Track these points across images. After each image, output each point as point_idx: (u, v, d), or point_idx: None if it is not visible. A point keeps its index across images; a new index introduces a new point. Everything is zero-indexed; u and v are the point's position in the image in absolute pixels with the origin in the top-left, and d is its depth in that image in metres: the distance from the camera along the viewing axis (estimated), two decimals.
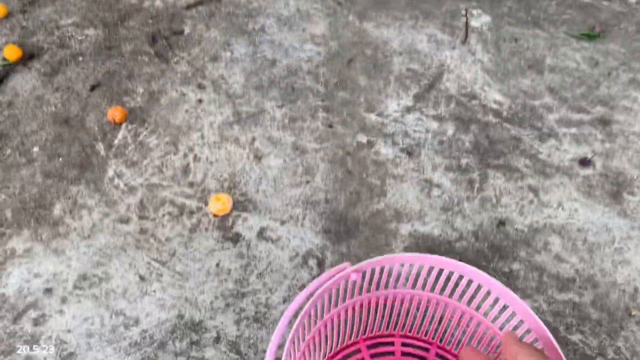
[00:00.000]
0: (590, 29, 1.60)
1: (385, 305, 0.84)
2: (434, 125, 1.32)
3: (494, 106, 1.37)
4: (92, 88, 1.35)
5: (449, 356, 0.89)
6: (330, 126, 1.31)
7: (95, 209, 1.12)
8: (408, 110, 1.35)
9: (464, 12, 1.64)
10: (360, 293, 0.79)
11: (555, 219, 1.16)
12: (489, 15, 1.64)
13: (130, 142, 1.24)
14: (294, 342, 0.62)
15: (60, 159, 1.21)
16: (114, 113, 1.25)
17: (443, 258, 0.72)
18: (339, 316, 0.79)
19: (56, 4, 1.58)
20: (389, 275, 0.79)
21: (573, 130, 1.33)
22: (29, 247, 1.06)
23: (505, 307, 0.90)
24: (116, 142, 1.24)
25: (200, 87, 1.37)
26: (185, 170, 1.20)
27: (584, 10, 1.68)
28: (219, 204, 1.10)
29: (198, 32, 1.52)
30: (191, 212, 1.12)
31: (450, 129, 1.31)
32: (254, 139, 1.26)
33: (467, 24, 1.60)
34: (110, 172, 1.19)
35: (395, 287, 0.81)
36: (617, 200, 1.20)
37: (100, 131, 1.26)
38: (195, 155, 1.22)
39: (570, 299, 1.04)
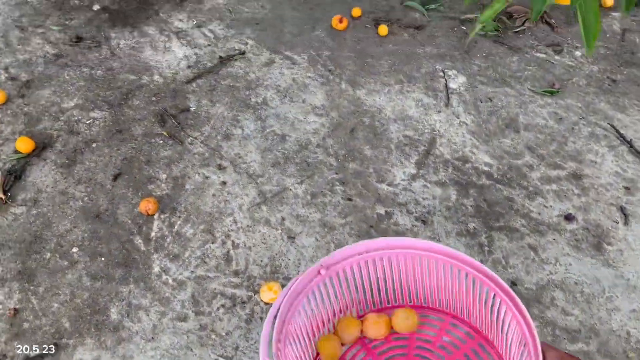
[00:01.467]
0: (550, 86, 1.82)
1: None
2: (439, 191, 1.47)
3: (485, 168, 1.55)
4: (115, 178, 1.38)
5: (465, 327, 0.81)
6: (350, 199, 1.42)
7: (150, 309, 1.17)
8: (413, 178, 1.50)
9: (442, 73, 1.81)
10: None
11: (555, 274, 1.35)
12: (463, 75, 1.82)
13: (167, 233, 1.29)
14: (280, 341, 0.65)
15: (103, 258, 1.24)
16: (147, 206, 1.29)
17: (432, 244, 0.76)
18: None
19: (53, 85, 1.57)
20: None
21: (554, 186, 1.53)
22: (96, 356, 1.09)
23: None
24: (153, 234, 1.29)
25: (221, 168, 1.44)
26: (227, 258, 1.27)
27: (541, 66, 1.90)
28: (271, 292, 1.18)
29: (204, 109, 1.57)
30: (243, 303, 1.20)
31: (453, 195, 1.47)
32: (283, 219, 1.35)
33: (447, 87, 1.76)
34: (156, 268, 1.23)
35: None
36: (600, 251, 1.41)
37: (134, 224, 1.30)
38: (233, 242, 1.30)
39: (580, 348, 1.23)
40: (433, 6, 2.03)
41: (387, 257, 0.78)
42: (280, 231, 1.33)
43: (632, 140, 1.68)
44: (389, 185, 1.47)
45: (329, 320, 0.79)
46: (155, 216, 1.32)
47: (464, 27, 1.99)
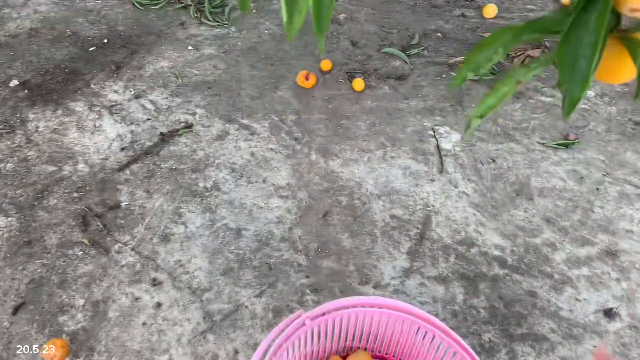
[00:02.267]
0: (564, 137, 1.51)
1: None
2: (440, 290, 1.15)
3: (496, 253, 1.22)
4: (16, 310, 1.05)
5: None
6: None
7: None
8: (406, 273, 1.17)
9: (431, 132, 1.50)
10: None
11: None
12: (457, 132, 1.51)
13: None
14: None
15: None
16: (50, 352, 0.96)
17: (412, 308, 0.88)
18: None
19: None
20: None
21: (585, 270, 1.20)
22: None
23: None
24: None
25: (155, 283, 1.11)
26: None
27: (550, 112, 1.59)
28: None
29: (138, 202, 1.26)
30: None
31: (459, 294, 1.14)
32: (236, 353, 1.02)
33: (439, 148, 1.45)
34: None
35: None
36: None
37: None
38: None
39: None
40: (415, 51, 1.75)
41: (362, 314, 0.90)
42: None
43: None
44: (375, 287, 1.15)
45: (306, 358, 0.93)
46: None
47: (453, 73, 1.70)
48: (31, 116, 1.43)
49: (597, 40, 0.30)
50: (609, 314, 1.14)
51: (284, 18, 0.30)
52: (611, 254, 1.25)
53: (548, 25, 0.34)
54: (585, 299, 1.16)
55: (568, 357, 1.06)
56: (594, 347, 1.08)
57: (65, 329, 1.03)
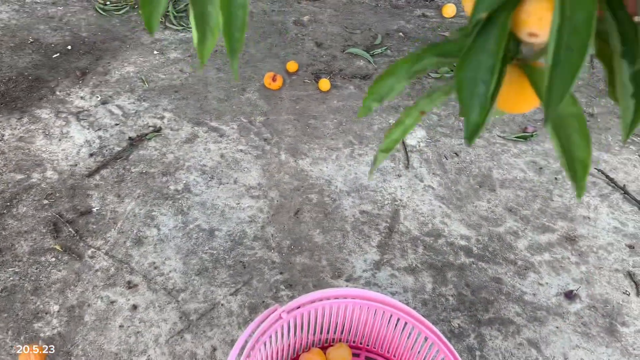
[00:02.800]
0: (522, 129, 1.58)
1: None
2: (410, 280, 1.19)
3: (462, 242, 1.27)
4: None
5: (378, 358, 1.04)
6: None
7: None
8: (377, 266, 1.21)
9: None
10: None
11: None
12: (422, 127, 1.56)
13: None
14: None
15: None
16: (29, 358, 0.96)
17: (385, 297, 0.92)
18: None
19: None
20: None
21: (546, 256, 1.26)
22: None
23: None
24: None
25: (130, 286, 1.12)
26: None
27: None
28: None
29: (110, 207, 1.26)
30: None
31: (428, 283, 1.18)
32: (214, 350, 1.04)
33: (404, 144, 1.50)
34: None
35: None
36: (614, 336, 1.13)
37: None
38: None
39: None
40: (378, 51, 1.79)
41: (337, 305, 0.93)
42: None
43: (625, 186, 1.43)
44: (347, 280, 1.18)
45: (284, 351, 0.96)
46: None
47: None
48: None
49: (495, 64, 0.29)
50: (570, 296, 1.20)
51: (195, 39, 0.27)
52: (570, 239, 1.31)
53: (448, 50, 0.33)
54: (547, 283, 1.21)
55: (533, 339, 1.11)
56: (557, 327, 1.14)
57: (42, 335, 1.03)
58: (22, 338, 1.03)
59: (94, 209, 1.25)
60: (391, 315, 0.94)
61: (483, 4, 0.28)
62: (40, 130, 1.42)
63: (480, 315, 1.14)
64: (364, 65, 1.75)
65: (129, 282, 1.13)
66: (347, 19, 1.95)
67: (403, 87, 0.35)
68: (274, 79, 1.61)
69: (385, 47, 1.81)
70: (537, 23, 0.28)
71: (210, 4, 0.26)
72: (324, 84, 1.63)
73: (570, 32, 0.25)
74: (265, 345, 0.88)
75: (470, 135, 0.30)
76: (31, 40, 1.72)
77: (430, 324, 0.90)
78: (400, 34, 1.89)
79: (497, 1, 0.28)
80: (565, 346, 1.11)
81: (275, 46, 1.80)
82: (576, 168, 0.31)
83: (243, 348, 0.83)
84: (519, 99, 0.32)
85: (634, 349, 1.11)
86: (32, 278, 1.12)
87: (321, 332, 1.01)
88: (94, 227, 1.22)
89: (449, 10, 1.99)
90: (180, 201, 1.29)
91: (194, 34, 0.26)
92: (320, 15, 1.97)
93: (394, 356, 1.02)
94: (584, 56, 0.25)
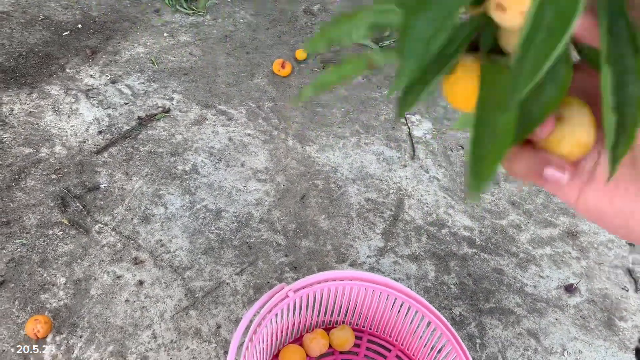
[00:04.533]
0: None
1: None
2: (413, 268, 1.20)
3: (465, 233, 1.28)
4: None
5: (380, 341, 1.05)
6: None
7: None
8: (381, 252, 1.22)
9: (404, 120, 1.55)
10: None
11: None
12: (428, 120, 1.57)
13: None
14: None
15: None
16: (35, 327, 0.97)
17: (390, 281, 0.94)
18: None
19: None
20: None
21: (548, 250, 1.28)
22: None
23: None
24: None
25: (137, 262, 1.13)
26: None
27: None
28: None
29: (118, 184, 1.27)
30: None
31: (431, 271, 1.20)
32: (218, 327, 1.05)
33: (410, 135, 1.51)
34: None
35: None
36: (612, 330, 1.15)
37: (19, 356, 0.97)
38: None
39: None
40: (387, 43, 1.80)
41: (342, 286, 0.94)
42: (215, 344, 1.02)
43: None
44: (351, 265, 1.19)
45: (288, 330, 0.98)
46: (49, 338, 1.00)
47: None
48: (5, 99, 1.42)
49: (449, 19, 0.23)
50: (570, 289, 1.21)
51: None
52: (572, 234, 1.32)
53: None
54: (548, 276, 1.23)
55: (532, 329, 1.13)
56: (556, 319, 1.15)
57: (48, 306, 1.04)
58: (28, 308, 1.03)
59: (102, 186, 1.26)
60: (395, 299, 0.95)
61: None
62: (50, 106, 1.43)
63: (482, 305, 1.16)
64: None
65: (135, 258, 1.14)
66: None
67: (362, 36, 0.28)
68: (283, 66, 1.61)
69: (394, 40, 1.82)
70: None
71: None
72: None
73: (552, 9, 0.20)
74: (270, 322, 0.89)
75: (402, 110, 0.26)
76: (42, 17, 1.72)
77: (434, 309, 0.92)
78: None
79: None
80: (564, 337, 1.12)
81: (284, 34, 1.81)
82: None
83: (250, 324, 0.84)
84: (469, 97, 0.26)
85: (631, 343, 1.13)
86: (40, 250, 1.13)
87: (325, 314, 1.02)
88: (102, 203, 1.23)
89: None
90: (187, 181, 1.30)
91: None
92: (330, 5, 1.98)
93: (396, 340, 1.04)
94: (564, 37, 0.20)
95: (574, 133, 0.26)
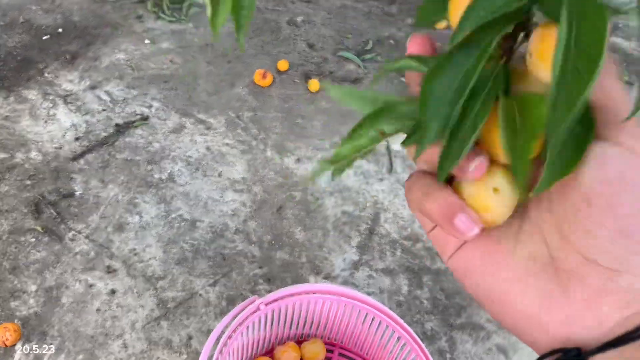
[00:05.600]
0: None
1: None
2: (387, 281, 1.21)
3: None
4: None
5: (352, 355, 1.06)
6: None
7: None
8: (355, 265, 1.23)
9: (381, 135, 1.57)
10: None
11: None
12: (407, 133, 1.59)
13: None
14: None
15: None
16: (4, 334, 0.96)
17: (362, 295, 0.94)
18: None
19: None
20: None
21: None
22: None
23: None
24: None
25: (110, 271, 1.12)
26: None
27: None
28: None
29: (93, 192, 1.26)
30: None
31: (404, 286, 1.21)
32: (189, 338, 1.05)
33: (389, 149, 1.52)
34: None
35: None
36: None
37: None
38: None
39: None
40: (369, 56, 1.82)
41: (314, 300, 0.94)
42: (185, 356, 1.02)
43: None
44: (325, 277, 1.20)
45: (259, 343, 0.98)
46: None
47: (403, 79, 1.78)
48: None
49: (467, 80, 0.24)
50: None
51: (209, 13, 0.26)
52: None
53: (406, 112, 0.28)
54: None
55: (502, 344, 1.14)
56: None
57: (17, 314, 1.03)
58: None
59: (77, 193, 1.25)
60: (367, 314, 0.96)
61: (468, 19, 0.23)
62: (27, 111, 1.42)
63: (453, 320, 1.17)
64: (354, 70, 1.78)
65: (108, 267, 1.13)
66: (340, 22, 1.98)
67: (371, 148, 0.30)
68: (264, 76, 1.62)
69: (376, 54, 1.84)
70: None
71: None
72: (314, 84, 1.65)
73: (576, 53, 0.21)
74: (242, 335, 0.89)
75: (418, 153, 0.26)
76: (22, 20, 1.71)
77: (404, 324, 0.93)
78: (391, 41, 1.92)
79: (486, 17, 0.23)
80: (532, 354, 1.14)
81: (267, 44, 1.82)
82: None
83: (220, 336, 0.85)
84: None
85: None
86: (11, 257, 1.11)
87: (297, 327, 1.02)
88: (76, 210, 1.22)
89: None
90: (163, 190, 1.29)
91: (208, 9, 0.26)
92: (313, 17, 1.99)
93: (367, 354, 1.04)
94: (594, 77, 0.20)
95: (500, 203, 0.26)
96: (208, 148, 1.42)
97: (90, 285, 1.09)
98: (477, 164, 0.26)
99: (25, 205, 1.21)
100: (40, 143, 1.34)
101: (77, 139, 1.37)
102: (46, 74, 1.53)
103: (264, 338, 0.99)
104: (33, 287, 1.07)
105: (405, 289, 1.20)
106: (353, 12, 2.05)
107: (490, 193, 0.26)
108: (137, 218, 1.23)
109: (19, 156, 1.30)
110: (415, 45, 0.29)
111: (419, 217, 0.30)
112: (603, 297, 0.24)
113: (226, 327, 0.86)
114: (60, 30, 1.70)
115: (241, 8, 0.26)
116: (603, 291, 0.24)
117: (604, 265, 0.24)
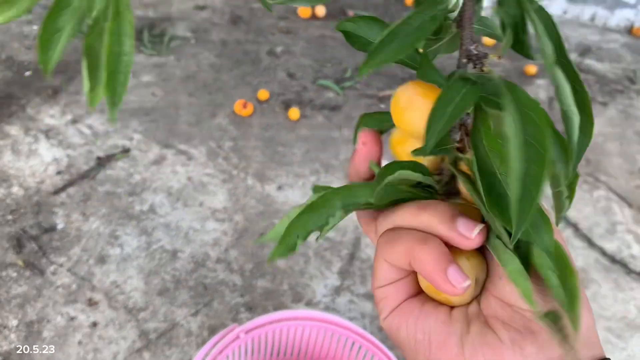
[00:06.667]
0: None
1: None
2: (368, 306, 1.22)
3: None
4: None
5: None
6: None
7: None
8: (337, 291, 1.24)
9: None
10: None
11: None
12: (385, 159, 1.62)
13: None
14: None
15: None
16: None
17: (343, 320, 0.96)
18: None
19: None
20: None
21: None
22: None
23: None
24: None
25: (91, 303, 1.13)
26: None
27: None
28: None
29: (75, 225, 1.27)
30: None
31: None
32: None
33: None
34: None
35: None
36: None
37: None
38: None
39: None
40: (348, 84, 1.86)
41: (294, 327, 0.95)
42: None
43: (577, 223, 1.51)
44: (307, 304, 1.21)
45: None
46: None
47: (382, 105, 1.82)
48: None
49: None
50: None
51: (86, 88, 0.26)
52: None
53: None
54: None
55: None
56: None
57: None
58: None
59: (59, 226, 1.26)
60: (347, 339, 0.97)
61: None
62: (9, 146, 1.43)
63: None
64: (333, 97, 1.82)
65: (90, 299, 1.13)
66: (318, 52, 2.02)
67: (339, 219, 0.29)
68: (244, 106, 1.65)
69: (355, 81, 1.88)
70: None
71: (100, 59, 0.26)
72: (294, 113, 1.68)
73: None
74: None
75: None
76: (4, 57, 1.74)
77: (385, 349, 0.94)
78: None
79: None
80: None
81: (247, 74, 1.86)
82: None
83: None
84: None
85: None
86: None
87: (278, 354, 1.03)
88: (58, 244, 1.23)
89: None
90: (145, 222, 1.31)
91: (85, 83, 0.26)
92: (293, 47, 2.04)
93: None
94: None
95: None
96: (189, 178, 1.43)
97: (72, 318, 1.10)
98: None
99: (7, 240, 1.21)
100: (22, 178, 1.35)
101: (58, 172, 1.38)
102: (28, 110, 1.55)
103: None
104: (14, 322, 1.08)
105: None
106: (332, 42, 2.10)
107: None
108: (118, 250, 1.24)
109: (1, 191, 1.31)
110: (364, 137, 0.32)
111: (378, 267, 0.30)
112: (527, 339, 0.25)
113: (206, 355, 0.87)
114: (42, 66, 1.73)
115: (114, 86, 0.26)
116: (527, 332, 0.25)
117: (525, 307, 0.25)
